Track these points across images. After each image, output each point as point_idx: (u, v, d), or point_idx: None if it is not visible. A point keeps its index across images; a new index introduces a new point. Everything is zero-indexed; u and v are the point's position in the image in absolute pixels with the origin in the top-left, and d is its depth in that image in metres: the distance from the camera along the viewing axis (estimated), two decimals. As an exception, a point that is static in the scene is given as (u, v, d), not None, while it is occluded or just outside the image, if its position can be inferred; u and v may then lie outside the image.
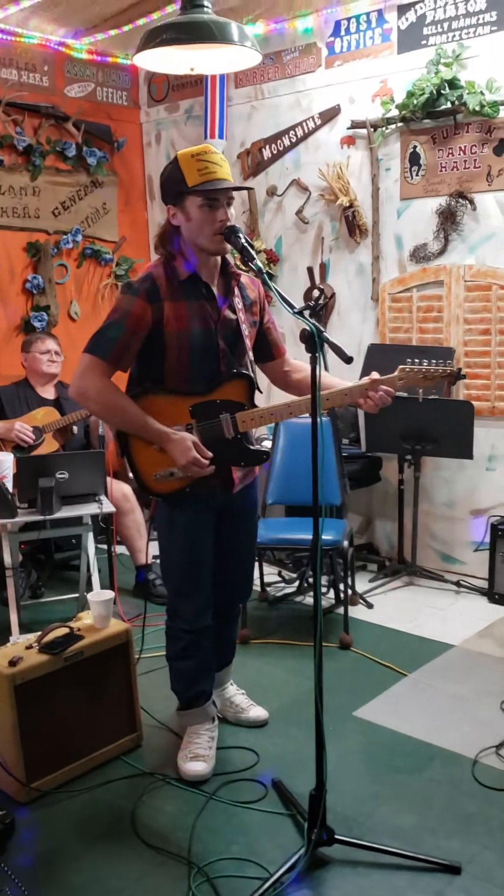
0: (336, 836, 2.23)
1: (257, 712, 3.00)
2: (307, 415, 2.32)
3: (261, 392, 2.56)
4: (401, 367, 2.45)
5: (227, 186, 2.38)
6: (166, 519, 2.63)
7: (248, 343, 2.53)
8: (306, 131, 4.75)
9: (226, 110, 5.01)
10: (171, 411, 2.45)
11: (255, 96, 4.98)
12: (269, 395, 3.74)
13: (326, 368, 4.33)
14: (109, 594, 2.83)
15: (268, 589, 4.26)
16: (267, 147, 4.95)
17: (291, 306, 2.20)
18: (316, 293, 4.71)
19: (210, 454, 2.44)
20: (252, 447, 2.55)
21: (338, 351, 2.14)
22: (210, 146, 2.40)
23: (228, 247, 2.42)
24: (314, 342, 2.07)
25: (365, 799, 2.53)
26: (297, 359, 2.78)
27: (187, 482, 2.51)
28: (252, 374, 2.52)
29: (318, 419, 2.09)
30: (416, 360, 2.47)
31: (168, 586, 2.73)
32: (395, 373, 2.45)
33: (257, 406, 2.51)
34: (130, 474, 2.61)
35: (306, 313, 2.18)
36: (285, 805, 2.50)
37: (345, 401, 2.47)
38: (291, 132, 4.82)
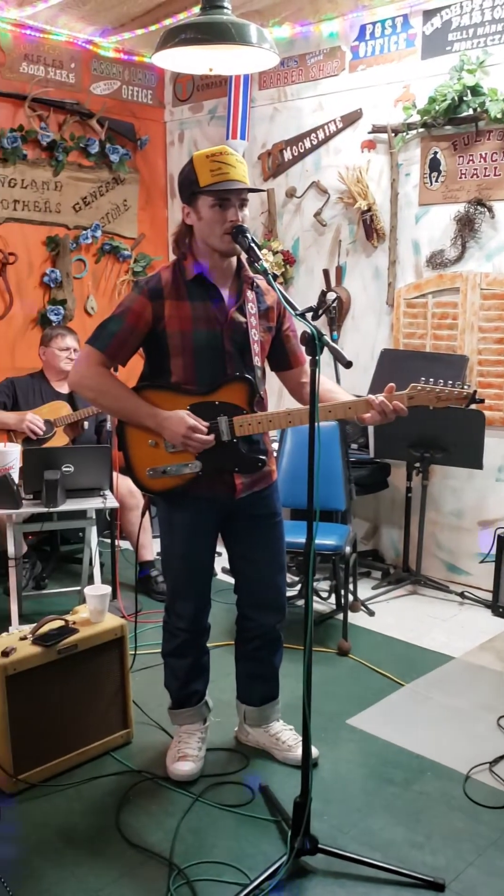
0: (319, 846, 2.21)
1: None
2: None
3: (263, 398, 2.52)
4: (413, 384, 2.38)
5: (237, 187, 2.35)
6: (165, 517, 2.63)
7: (256, 348, 2.49)
8: (327, 134, 4.73)
9: (248, 111, 4.99)
10: (170, 408, 2.43)
11: (279, 98, 4.97)
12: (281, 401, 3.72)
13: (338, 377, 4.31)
14: (106, 589, 2.82)
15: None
16: (288, 149, 4.94)
17: (294, 308, 2.18)
18: (332, 296, 4.67)
19: (207, 424, 2.41)
20: (248, 453, 2.51)
21: (337, 355, 2.12)
22: (227, 147, 2.38)
23: (239, 248, 2.39)
24: (314, 345, 2.06)
25: (353, 809, 2.51)
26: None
27: (181, 481, 2.49)
28: (254, 379, 2.47)
29: (317, 426, 2.08)
30: (431, 380, 2.38)
31: (167, 583, 2.72)
32: (407, 390, 2.39)
33: (256, 412, 2.48)
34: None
35: (308, 315, 2.16)
36: (271, 811, 2.48)
37: (348, 414, 2.41)
38: (313, 135, 4.80)
